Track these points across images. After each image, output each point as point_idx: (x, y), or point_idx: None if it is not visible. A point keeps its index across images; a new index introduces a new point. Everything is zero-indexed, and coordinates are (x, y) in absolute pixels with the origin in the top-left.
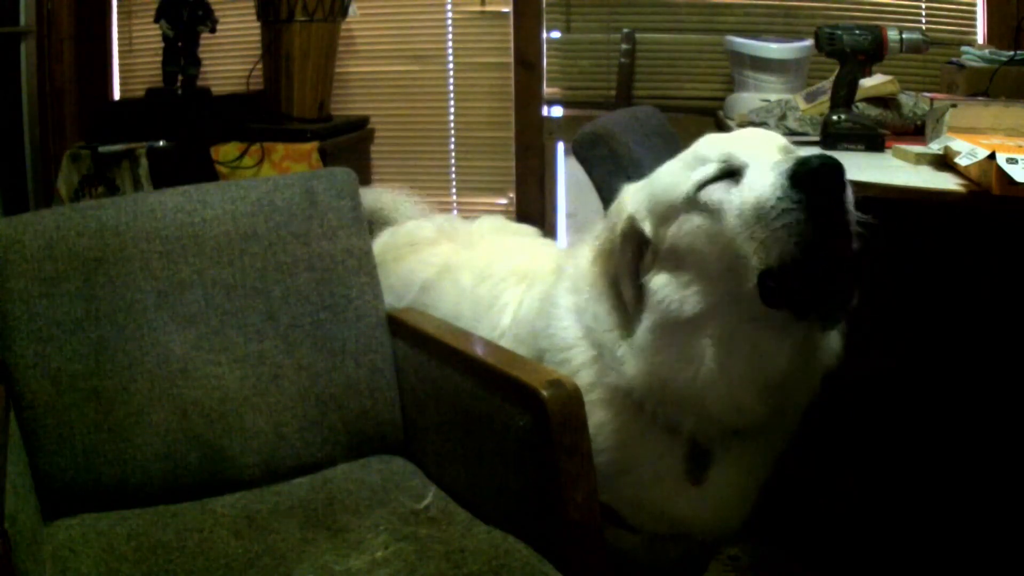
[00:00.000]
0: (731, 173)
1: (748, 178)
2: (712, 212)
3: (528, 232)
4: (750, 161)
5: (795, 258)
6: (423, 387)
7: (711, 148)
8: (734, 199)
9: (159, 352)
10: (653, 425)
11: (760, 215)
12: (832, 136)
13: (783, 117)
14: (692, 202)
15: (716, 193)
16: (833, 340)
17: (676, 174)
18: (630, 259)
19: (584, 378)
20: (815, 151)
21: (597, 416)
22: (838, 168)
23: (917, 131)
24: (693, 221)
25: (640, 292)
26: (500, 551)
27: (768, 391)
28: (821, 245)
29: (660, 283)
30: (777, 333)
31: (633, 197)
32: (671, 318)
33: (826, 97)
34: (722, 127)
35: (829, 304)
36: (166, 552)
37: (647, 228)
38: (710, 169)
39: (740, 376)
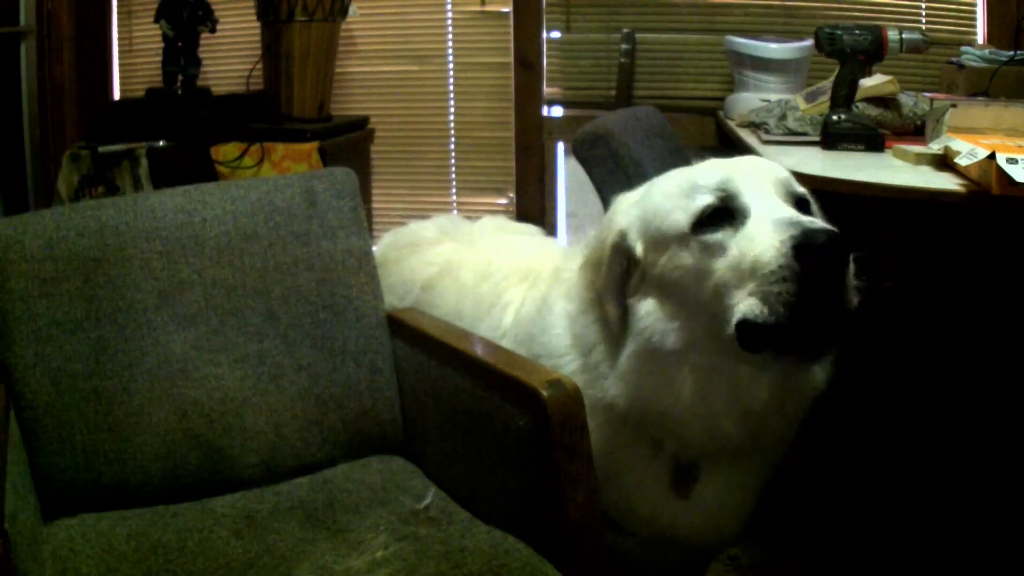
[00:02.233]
0: (729, 212)
1: (749, 229)
2: (705, 253)
3: (531, 231)
4: (752, 205)
5: (778, 321)
6: (423, 387)
7: (708, 177)
8: (731, 246)
9: (159, 352)
10: (638, 438)
11: (756, 274)
12: (832, 136)
13: (783, 117)
14: (685, 238)
15: (713, 237)
16: (815, 374)
17: (671, 199)
18: (617, 276)
19: None
20: (815, 151)
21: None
22: (844, 248)
23: (917, 131)
24: (685, 258)
25: (625, 311)
26: (500, 551)
27: (747, 420)
28: (808, 314)
29: (645, 310)
30: (757, 369)
31: (626, 212)
32: (653, 348)
33: (826, 97)
34: (722, 127)
35: (809, 348)
36: (166, 552)
37: (638, 249)
38: (706, 201)
39: (719, 407)
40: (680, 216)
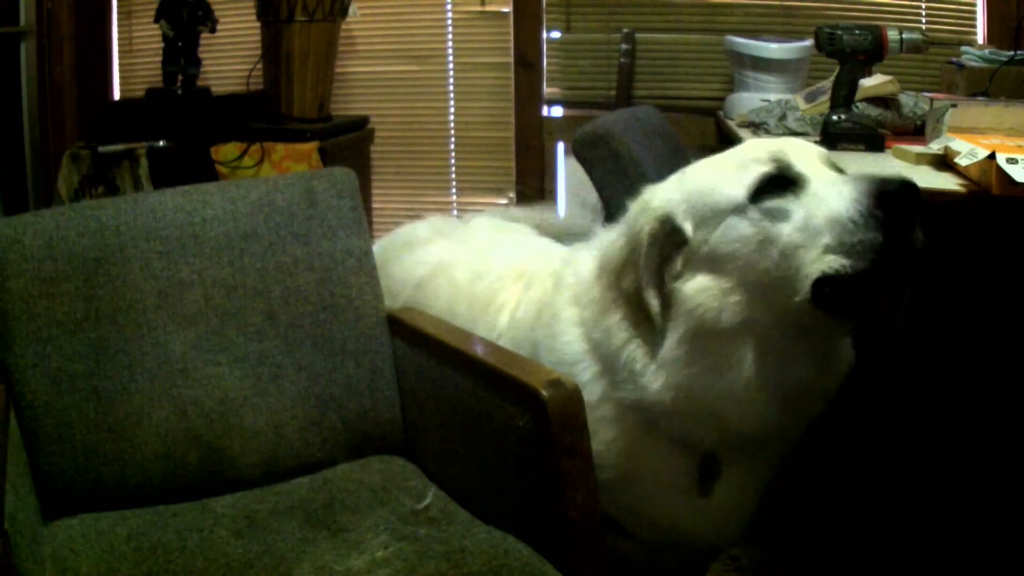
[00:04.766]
0: (786, 180)
1: (815, 190)
2: (767, 220)
3: (524, 230)
4: (809, 173)
5: (865, 272)
6: (423, 387)
7: (759, 150)
8: (796, 209)
9: (159, 352)
10: (662, 440)
11: (833, 228)
12: (832, 136)
13: (783, 117)
14: (742, 207)
15: (773, 202)
16: (848, 351)
17: (720, 175)
18: (656, 266)
19: (591, 394)
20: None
21: (605, 433)
22: (917, 190)
23: (917, 131)
24: (743, 228)
25: (666, 301)
26: (500, 551)
27: (787, 402)
28: (892, 263)
29: (696, 288)
30: (804, 342)
31: (664, 197)
32: (706, 328)
33: (826, 97)
34: (722, 127)
35: (882, 310)
36: (166, 552)
37: (688, 228)
38: (763, 169)
39: (767, 387)
40: (734, 188)
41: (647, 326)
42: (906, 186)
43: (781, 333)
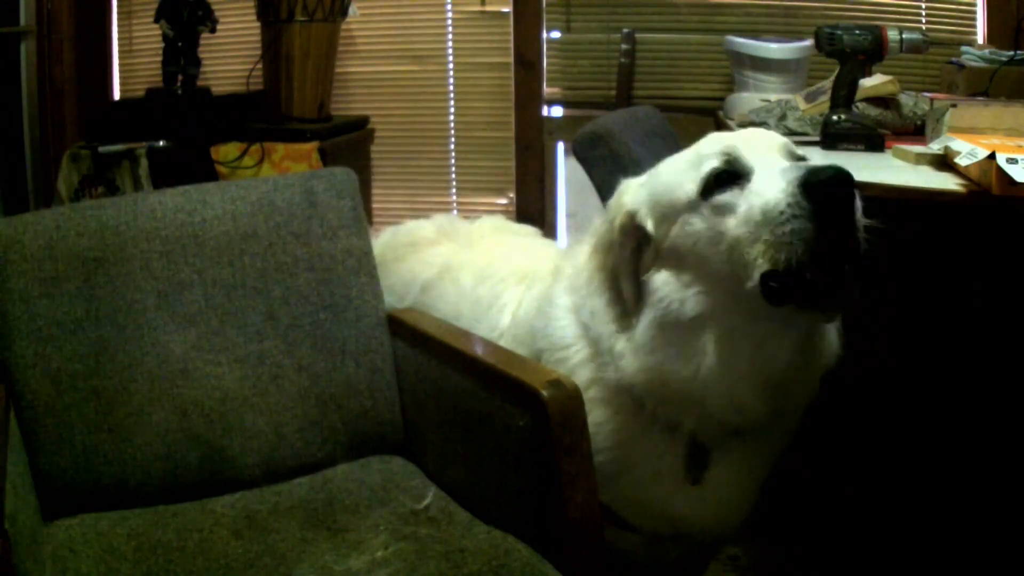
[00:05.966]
0: (735, 174)
1: (755, 183)
2: (716, 215)
3: (529, 232)
4: (755, 164)
5: (800, 262)
6: (423, 387)
7: (712, 146)
8: (740, 203)
9: (159, 352)
10: (653, 423)
11: (768, 219)
12: (832, 136)
13: (783, 117)
14: (695, 204)
15: (721, 197)
16: (832, 339)
17: (678, 173)
18: (629, 255)
19: (582, 376)
20: (815, 151)
21: (595, 414)
22: (849, 179)
23: (917, 131)
24: (695, 223)
25: (640, 288)
26: (500, 551)
27: (769, 390)
28: (826, 251)
29: (661, 281)
30: (778, 329)
31: (633, 194)
32: (672, 317)
33: (826, 97)
34: (722, 127)
35: (831, 298)
36: (166, 552)
37: (649, 225)
38: (712, 164)
39: (741, 374)
40: (688, 185)
41: (625, 309)
42: (836, 175)
43: (745, 321)
